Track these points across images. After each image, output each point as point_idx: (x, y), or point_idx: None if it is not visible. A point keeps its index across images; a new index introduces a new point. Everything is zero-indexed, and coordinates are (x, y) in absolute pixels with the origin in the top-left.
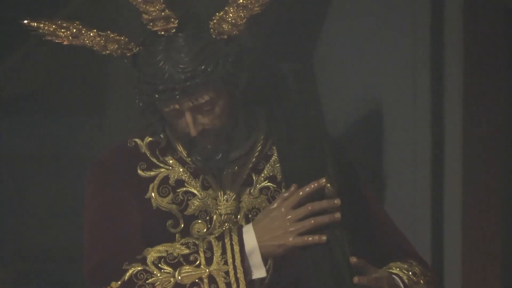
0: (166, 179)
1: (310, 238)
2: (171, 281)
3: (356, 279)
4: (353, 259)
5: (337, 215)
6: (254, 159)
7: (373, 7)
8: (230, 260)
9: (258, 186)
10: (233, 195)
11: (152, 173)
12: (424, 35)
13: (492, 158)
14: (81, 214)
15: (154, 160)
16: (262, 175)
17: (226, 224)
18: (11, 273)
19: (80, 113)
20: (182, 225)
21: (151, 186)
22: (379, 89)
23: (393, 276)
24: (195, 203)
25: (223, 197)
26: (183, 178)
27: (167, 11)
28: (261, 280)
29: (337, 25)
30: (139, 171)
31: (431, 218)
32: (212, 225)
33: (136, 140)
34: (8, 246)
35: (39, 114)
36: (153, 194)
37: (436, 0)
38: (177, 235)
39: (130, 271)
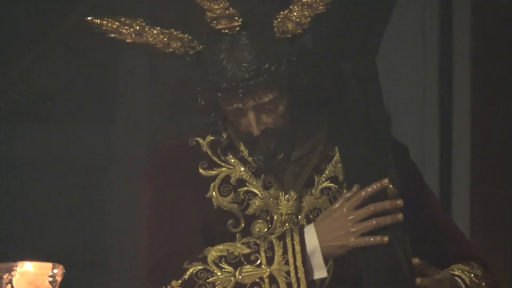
0: (227, 178)
1: (372, 239)
2: (231, 281)
3: (418, 280)
4: (416, 260)
5: (399, 215)
6: (316, 160)
7: None
8: (291, 260)
9: (320, 186)
10: (295, 195)
11: (213, 172)
12: (432, 41)
13: (500, 163)
14: (88, 219)
15: (216, 159)
16: (324, 175)
17: (287, 224)
18: None
19: (89, 119)
20: (243, 225)
21: (212, 185)
22: (388, 97)
23: (455, 278)
24: (256, 202)
25: (284, 197)
26: (245, 177)
27: (231, 9)
28: (322, 280)
29: None
30: (201, 170)
31: None
32: (273, 225)
33: (198, 139)
34: (16, 250)
35: (48, 120)
36: (214, 193)
37: (444, 7)
38: (237, 235)
39: (191, 270)
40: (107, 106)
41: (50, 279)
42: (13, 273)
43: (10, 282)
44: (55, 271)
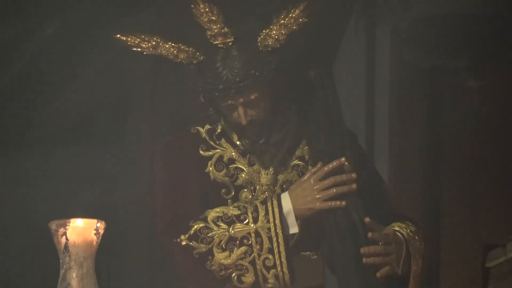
0: (221, 157)
1: (333, 203)
2: (226, 235)
3: (370, 235)
4: (367, 219)
5: (354, 185)
6: (288, 143)
7: None
8: (271, 219)
9: (291, 163)
10: (272, 170)
11: (210, 153)
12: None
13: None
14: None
15: (212, 143)
16: (294, 155)
17: (267, 192)
18: None
19: (104, 142)
20: (233, 193)
21: (209, 163)
22: None
23: (397, 232)
24: (243, 176)
25: (264, 172)
26: (234, 157)
27: (225, 28)
28: (293, 235)
29: None
30: (201, 151)
31: None
32: (256, 193)
33: (198, 128)
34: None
35: (74, 144)
36: (211, 169)
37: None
38: (229, 201)
39: (195, 227)
40: (118, 133)
41: (95, 231)
42: (67, 227)
43: (65, 234)
44: (98, 224)
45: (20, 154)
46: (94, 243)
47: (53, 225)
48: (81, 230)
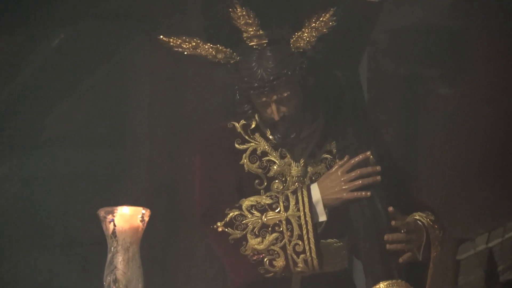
0: (254, 150)
1: (359, 194)
2: (259, 222)
3: (393, 223)
4: (390, 209)
5: (378, 177)
6: (317, 138)
7: None
8: (301, 208)
9: (320, 157)
10: (302, 162)
11: (245, 146)
12: None
13: None
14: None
15: (247, 137)
16: (322, 149)
17: (297, 183)
18: None
19: (109, 145)
20: (266, 184)
21: (244, 155)
22: None
23: (417, 221)
24: (275, 168)
25: (295, 164)
26: (267, 150)
27: (260, 31)
28: (320, 223)
29: None
30: (236, 145)
31: None
32: (287, 184)
33: (234, 123)
34: None
35: (80, 145)
36: (245, 161)
37: None
38: (261, 191)
39: (231, 214)
40: (119, 136)
41: (140, 218)
42: (114, 214)
43: (112, 220)
44: (143, 211)
45: (29, 155)
46: (140, 229)
47: (101, 212)
48: (127, 217)
